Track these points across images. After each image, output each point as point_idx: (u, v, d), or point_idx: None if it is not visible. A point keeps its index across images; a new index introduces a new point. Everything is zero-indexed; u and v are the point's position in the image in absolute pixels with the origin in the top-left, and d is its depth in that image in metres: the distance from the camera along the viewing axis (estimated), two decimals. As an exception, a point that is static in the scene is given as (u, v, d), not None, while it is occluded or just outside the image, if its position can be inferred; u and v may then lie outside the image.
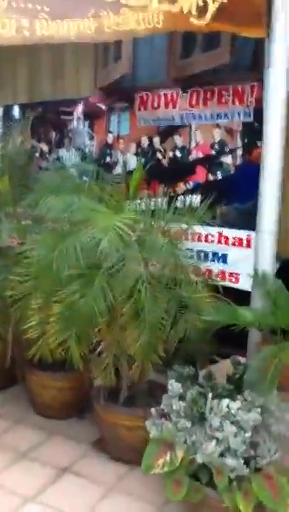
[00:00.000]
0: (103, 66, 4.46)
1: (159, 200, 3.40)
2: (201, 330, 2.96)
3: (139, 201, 3.32)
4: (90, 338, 2.92)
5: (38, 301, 3.03)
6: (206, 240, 3.62)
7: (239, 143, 3.58)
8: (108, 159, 4.35)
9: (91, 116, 4.48)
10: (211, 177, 3.74)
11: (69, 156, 4.59)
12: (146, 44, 4.15)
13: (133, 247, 2.84)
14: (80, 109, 4.56)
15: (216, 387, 2.77)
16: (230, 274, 3.56)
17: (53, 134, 4.76)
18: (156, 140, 4.02)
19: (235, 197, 3.56)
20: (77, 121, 4.59)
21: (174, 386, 2.78)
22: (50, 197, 3.02)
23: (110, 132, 4.36)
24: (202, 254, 3.65)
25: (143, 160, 3.92)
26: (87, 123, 4.52)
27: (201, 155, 3.80)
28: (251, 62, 3.62)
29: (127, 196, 3.26)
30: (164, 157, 3.99)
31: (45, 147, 4.80)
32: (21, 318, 3.15)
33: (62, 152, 4.67)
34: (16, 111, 5.01)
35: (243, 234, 3.47)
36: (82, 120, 4.55)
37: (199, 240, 3.61)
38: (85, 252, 2.73)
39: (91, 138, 4.49)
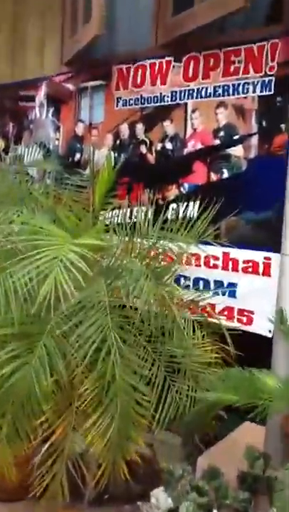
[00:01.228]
0: (71, 34, 3.49)
1: (143, 209, 2.63)
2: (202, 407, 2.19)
3: (117, 212, 2.65)
4: (34, 430, 2.07)
5: None
6: (207, 265, 2.84)
7: (254, 127, 2.75)
8: (78, 156, 3.48)
9: (56, 100, 3.69)
10: (213, 176, 2.92)
11: (30, 152, 3.72)
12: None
13: (98, 284, 2.10)
14: (42, 92, 3.69)
15: (222, 491, 2.05)
16: (241, 312, 2.78)
17: (11, 126, 3.95)
18: (140, 128, 3.21)
19: (248, 204, 2.76)
20: (39, 108, 3.70)
21: (160, 499, 2.06)
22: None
23: (81, 121, 3.48)
24: (201, 283, 2.88)
25: (118, 156, 3.15)
26: (51, 110, 3.71)
27: (200, 146, 2.98)
28: (270, 11, 2.72)
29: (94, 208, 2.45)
30: (150, 151, 3.17)
31: (1, 143, 4.03)
32: None
33: (22, 148, 3.87)
34: None
35: (259, 256, 2.71)
36: (46, 106, 3.73)
37: (197, 264, 2.84)
38: (23, 299, 1.99)
39: (57, 129, 3.61)
